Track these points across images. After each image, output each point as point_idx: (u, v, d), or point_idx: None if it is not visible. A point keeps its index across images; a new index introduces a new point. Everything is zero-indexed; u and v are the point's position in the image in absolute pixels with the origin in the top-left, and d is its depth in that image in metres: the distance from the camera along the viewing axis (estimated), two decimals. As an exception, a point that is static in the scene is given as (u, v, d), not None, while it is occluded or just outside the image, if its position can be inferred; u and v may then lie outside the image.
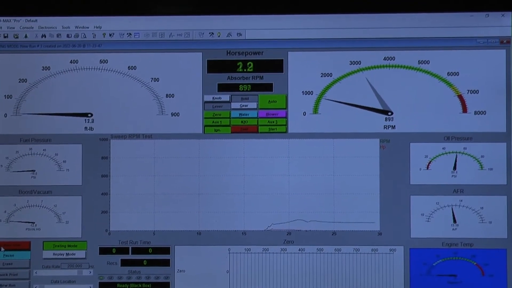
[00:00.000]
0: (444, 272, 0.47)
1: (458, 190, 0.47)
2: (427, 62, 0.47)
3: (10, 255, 0.48)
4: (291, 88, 0.48)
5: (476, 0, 0.47)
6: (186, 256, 0.48)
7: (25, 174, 0.48)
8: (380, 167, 0.47)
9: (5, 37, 0.48)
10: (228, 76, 0.48)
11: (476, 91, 0.47)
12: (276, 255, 0.48)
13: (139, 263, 0.48)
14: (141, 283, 0.48)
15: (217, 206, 0.48)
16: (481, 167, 0.47)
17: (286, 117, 0.48)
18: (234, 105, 0.48)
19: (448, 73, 0.47)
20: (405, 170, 0.47)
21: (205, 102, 0.48)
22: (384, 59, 0.47)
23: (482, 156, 0.47)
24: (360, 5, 0.47)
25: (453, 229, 0.47)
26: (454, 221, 0.47)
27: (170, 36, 0.48)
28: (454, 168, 0.47)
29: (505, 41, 0.47)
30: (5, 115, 0.48)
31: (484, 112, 0.47)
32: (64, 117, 0.48)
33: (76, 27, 0.48)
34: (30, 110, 0.48)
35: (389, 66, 0.47)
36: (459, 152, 0.47)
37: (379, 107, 0.47)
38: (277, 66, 0.48)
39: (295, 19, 0.48)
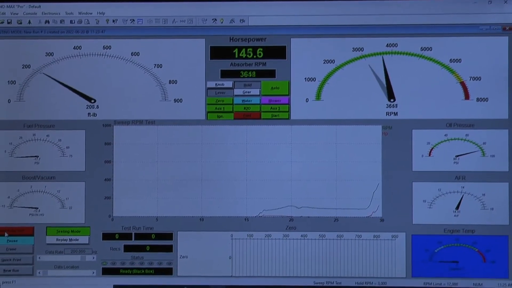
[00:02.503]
0: (446, 258, 0.47)
1: (460, 176, 0.47)
2: (430, 49, 0.47)
3: (14, 241, 0.48)
4: (294, 75, 0.48)
5: (479, -13, 0.47)
6: (189, 241, 0.48)
7: (28, 159, 0.48)
8: (383, 154, 0.47)
9: (8, 22, 0.48)
10: (231, 63, 0.48)
11: (479, 78, 0.47)
12: (278, 241, 0.48)
13: (142, 248, 0.48)
14: (144, 268, 0.48)
15: (219, 192, 0.48)
16: (483, 154, 0.47)
17: (288, 104, 0.48)
18: (237, 91, 0.48)
19: (450, 60, 0.47)
20: (407, 156, 0.47)
21: (208, 89, 0.48)
22: (387, 45, 0.47)
23: (484, 143, 0.47)
24: (363, -8, 0.47)
25: (455, 215, 0.47)
26: (456, 207, 0.47)
27: (173, 22, 0.48)
28: (457, 156, 0.47)
29: (507, 28, 0.47)
30: (9, 101, 0.48)
31: (486, 99, 0.47)
32: (67, 103, 0.48)
33: (80, 13, 0.48)
34: (33, 96, 0.48)
35: (392, 52, 0.47)
36: (461, 139, 0.47)
37: (382, 94, 0.47)
38: (280, 52, 0.48)
39: (298, 5, 0.48)
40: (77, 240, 0.48)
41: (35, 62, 0.48)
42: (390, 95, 0.47)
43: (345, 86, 0.48)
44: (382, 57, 0.47)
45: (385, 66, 0.47)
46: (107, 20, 0.48)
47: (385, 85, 0.47)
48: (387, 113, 0.47)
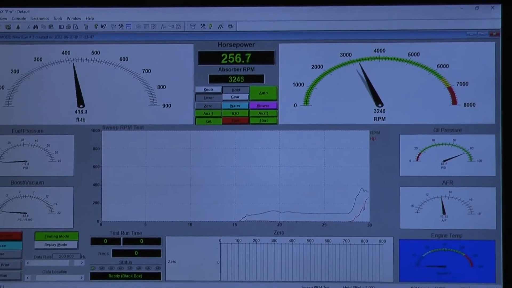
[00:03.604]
0: (434, 263, 0.47)
1: (447, 181, 0.47)
2: (417, 54, 0.47)
3: (2, 246, 0.48)
4: (282, 80, 0.48)
5: (466, -7, 0.48)
6: (177, 246, 0.48)
7: (17, 164, 0.48)
8: (370, 159, 0.47)
9: (-3, 28, 0.48)
10: (220, 68, 0.48)
11: (466, 83, 0.47)
12: (266, 246, 0.48)
13: (130, 253, 0.48)
14: (132, 273, 0.48)
15: (208, 197, 0.48)
16: (470, 158, 0.47)
17: (277, 109, 0.48)
18: (225, 96, 0.48)
19: (438, 65, 0.47)
20: (395, 161, 0.47)
21: (196, 94, 0.48)
22: (375, 51, 0.48)
23: (472, 148, 0.47)
24: (350, -3, 0.48)
25: (442, 220, 0.47)
26: (444, 212, 0.47)
27: (162, 28, 0.48)
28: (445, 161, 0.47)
29: (494, 34, 0.47)
30: (-3, 106, 0.48)
31: (473, 104, 0.47)
32: (56, 108, 0.48)
33: (68, 18, 0.48)
34: (22, 101, 0.48)
35: (380, 58, 0.48)
36: (449, 144, 0.47)
37: (370, 99, 0.48)
38: (268, 57, 0.48)
39: (286, 11, 0.48)
40: (66, 245, 0.48)
41: (23, 67, 0.48)
42: (377, 100, 0.47)
43: (333, 91, 0.48)
44: (360, 64, 0.47)
45: (364, 72, 0.47)
46: (96, 25, 0.48)
47: (370, 91, 0.47)
48: (375, 118, 0.48)
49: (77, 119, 0.48)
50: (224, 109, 0.48)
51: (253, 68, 0.48)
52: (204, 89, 0.48)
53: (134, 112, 0.48)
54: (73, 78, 0.48)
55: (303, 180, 0.48)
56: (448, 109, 0.47)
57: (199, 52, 0.48)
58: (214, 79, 0.48)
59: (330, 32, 0.48)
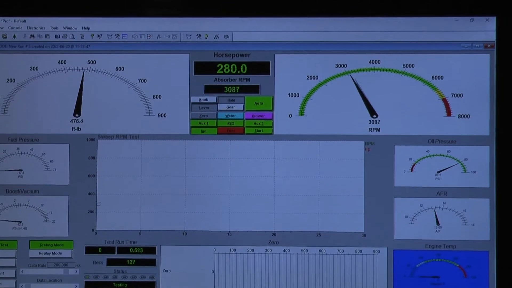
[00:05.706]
0: (427, 273, 0.48)
1: (441, 192, 0.47)
2: (412, 65, 0.48)
3: (-3, 254, 0.48)
4: (278, 90, 0.48)
5: (461, 5, 0.48)
6: (172, 256, 0.48)
7: (12, 173, 0.48)
8: (365, 169, 0.48)
9: (-7, 37, 0.48)
10: (215, 78, 0.48)
11: (460, 95, 0.48)
12: (261, 256, 0.48)
13: (125, 262, 0.48)
14: (127, 282, 0.48)
15: (203, 207, 0.48)
16: (465, 170, 0.47)
17: (272, 119, 0.48)
18: (221, 106, 0.48)
19: (432, 76, 0.48)
20: (389, 172, 0.48)
21: (192, 103, 0.48)
22: (370, 62, 0.48)
23: (466, 159, 0.47)
24: (346, 9, 0.48)
25: (436, 231, 0.47)
26: (437, 223, 0.47)
27: (158, 38, 0.48)
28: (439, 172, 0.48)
29: (489, 46, 0.48)
30: (-7, 115, 0.48)
31: (468, 116, 0.48)
32: (51, 117, 0.48)
33: (65, 27, 0.48)
34: (18, 110, 0.48)
35: (375, 69, 0.48)
36: (443, 155, 0.47)
37: (365, 110, 0.48)
38: (263, 68, 0.48)
39: (282, 22, 0.48)
40: (60, 253, 0.48)
41: (19, 76, 0.48)
42: (371, 111, 0.48)
43: (328, 102, 0.48)
44: (351, 75, 0.47)
45: (356, 84, 0.47)
46: (92, 35, 0.48)
47: (363, 102, 0.48)
48: (370, 129, 0.48)
49: (73, 128, 0.48)
50: (220, 119, 0.48)
51: (249, 78, 0.48)
52: (200, 99, 0.48)
53: (129, 121, 0.48)
54: (78, 87, 0.48)
55: (298, 190, 0.48)
56: (443, 121, 0.48)
57: (195, 62, 0.48)
58: (209, 89, 0.48)
59: (326, 43, 0.48)
